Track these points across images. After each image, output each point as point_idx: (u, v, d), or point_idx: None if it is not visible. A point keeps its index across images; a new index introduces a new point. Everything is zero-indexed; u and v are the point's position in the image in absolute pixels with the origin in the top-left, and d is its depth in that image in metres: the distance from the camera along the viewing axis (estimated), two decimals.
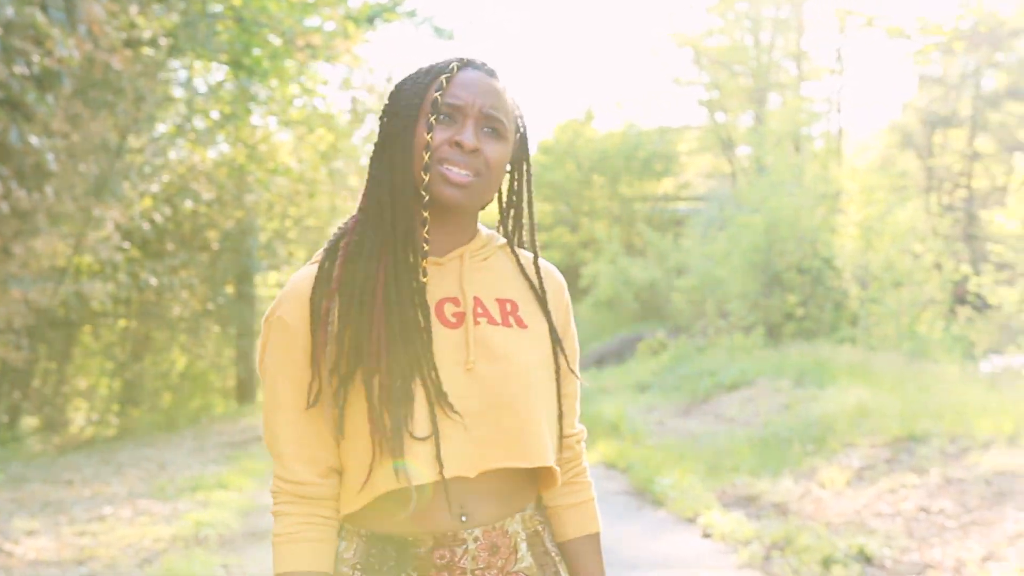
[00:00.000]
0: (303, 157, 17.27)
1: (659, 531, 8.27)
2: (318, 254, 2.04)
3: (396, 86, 2.00)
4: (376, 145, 1.99)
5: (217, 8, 12.97)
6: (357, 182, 18.39)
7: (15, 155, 9.86)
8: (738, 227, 22.58)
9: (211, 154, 16.49)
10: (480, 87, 1.94)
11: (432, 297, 1.95)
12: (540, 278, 2.08)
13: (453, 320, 1.95)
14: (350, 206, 18.73)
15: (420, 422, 1.86)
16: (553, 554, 2.07)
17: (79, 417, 19.67)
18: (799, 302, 21.08)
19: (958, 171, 34.08)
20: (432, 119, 1.90)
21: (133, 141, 12.70)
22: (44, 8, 8.86)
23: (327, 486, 1.98)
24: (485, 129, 1.93)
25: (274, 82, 15.39)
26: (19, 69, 9.05)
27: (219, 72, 15.79)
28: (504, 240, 2.12)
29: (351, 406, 1.90)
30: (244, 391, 17.61)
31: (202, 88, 15.64)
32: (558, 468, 2.05)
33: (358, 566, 1.96)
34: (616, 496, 9.96)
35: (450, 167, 1.89)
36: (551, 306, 2.09)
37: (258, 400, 17.54)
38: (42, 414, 17.87)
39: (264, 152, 16.63)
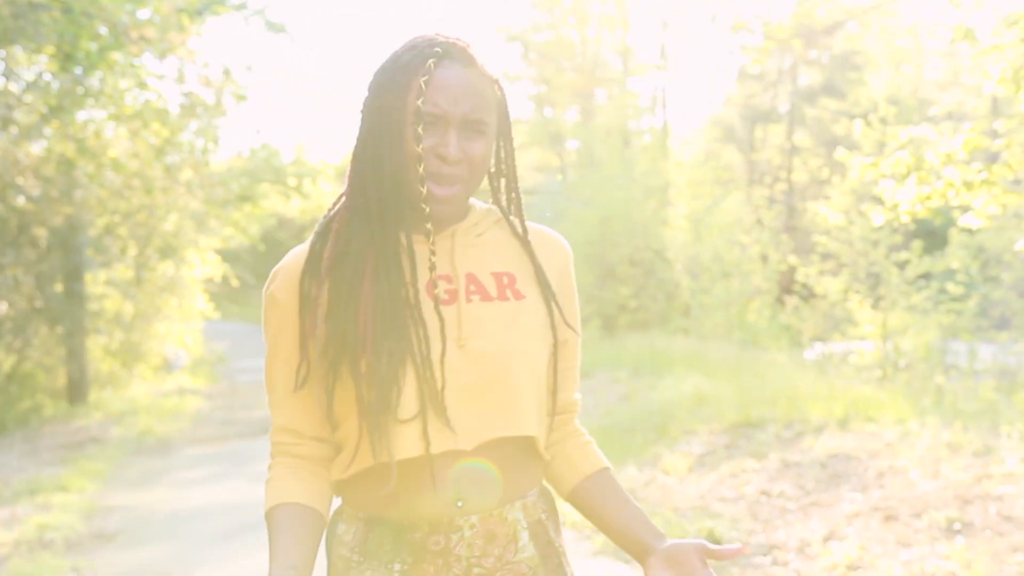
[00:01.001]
0: (136, 152, 16.89)
1: None
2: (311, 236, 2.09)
3: (374, 77, 2.00)
4: (361, 137, 1.98)
5: None
6: (192, 176, 18.09)
7: None
8: (572, 221, 22.95)
9: (37, 148, 16.00)
10: (459, 90, 1.93)
11: (422, 276, 1.97)
12: (530, 246, 2.09)
13: (445, 297, 1.97)
14: (184, 202, 18.43)
15: (407, 402, 1.89)
16: (557, 545, 2.08)
17: None
18: (632, 294, 21.56)
19: (778, 165, 35.20)
20: (420, 129, 1.90)
21: None
22: None
23: (316, 448, 2.03)
24: (467, 131, 1.95)
25: (101, 74, 15.03)
26: None
27: (42, 64, 15.35)
28: (499, 213, 2.13)
29: (341, 389, 1.93)
30: (75, 391, 17.13)
31: (28, 80, 15.17)
32: (540, 442, 2.05)
33: (357, 549, 1.98)
34: None
35: (436, 184, 1.92)
36: (550, 274, 2.09)
37: (90, 401, 17.12)
38: None
39: (94, 146, 16.21)
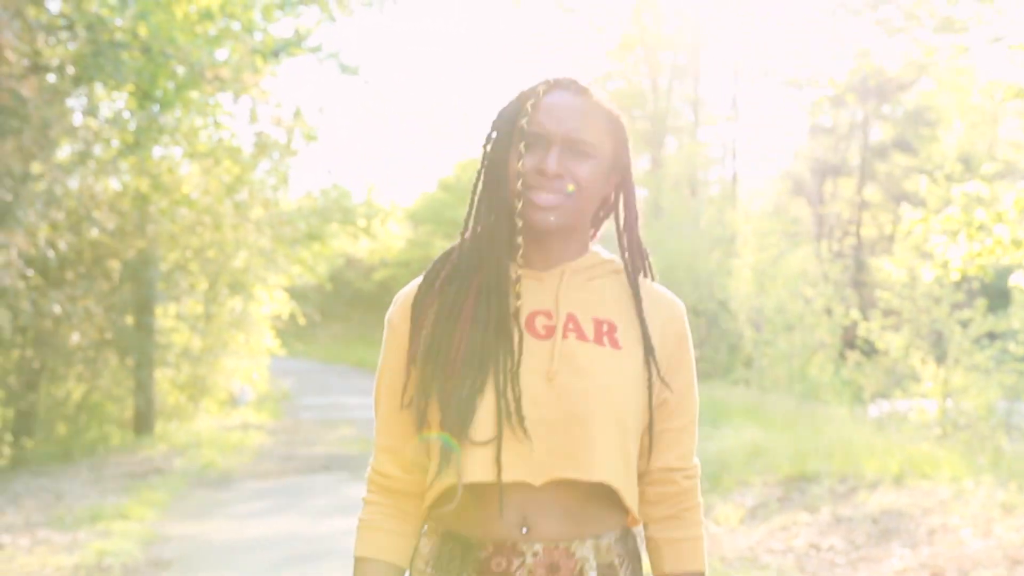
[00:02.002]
0: (208, 189, 17.24)
1: None
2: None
3: (498, 111, 2.09)
4: (479, 169, 2.09)
5: (124, 38, 12.96)
6: (262, 214, 18.39)
7: None
8: None
9: (114, 183, 16.40)
10: (563, 111, 2.01)
11: (526, 308, 2.02)
12: (640, 301, 2.10)
13: (543, 332, 2.01)
14: (253, 238, 18.73)
15: (482, 426, 1.94)
16: None
17: None
18: (695, 344, 21.51)
19: (847, 219, 35.01)
20: (521, 147, 2.00)
21: (37, 168, 12.62)
22: None
23: (411, 482, 2.08)
24: (571, 152, 2.01)
25: (178, 112, 15.39)
26: None
27: (123, 101, 15.75)
28: (620, 266, 2.16)
29: (432, 409, 1.99)
30: (142, 422, 17.43)
31: (106, 117, 15.57)
32: (625, 493, 2.03)
33: (431, 562, 2.05)
34: None
35: (537, 193, 1.98)
36: (654, 332, 2.09)
37: (156, 432, 17.41)
38: None
39: (168, 183, 16.58)
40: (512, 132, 2.01)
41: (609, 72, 37.96)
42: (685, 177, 29.12)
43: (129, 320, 17.45)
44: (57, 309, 15.02)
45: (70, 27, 12.60)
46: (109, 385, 18.22)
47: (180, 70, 13.89)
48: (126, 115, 15.07)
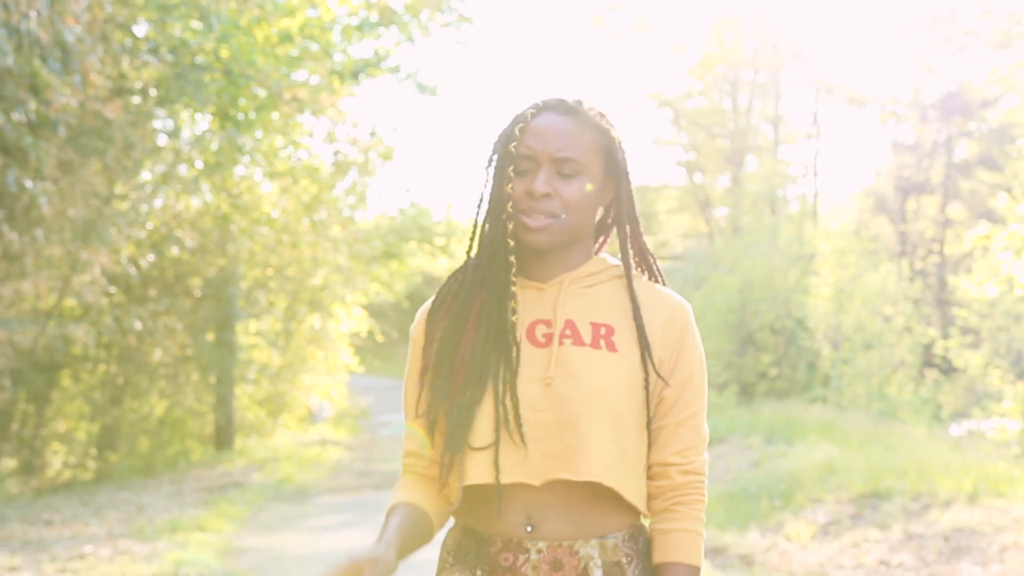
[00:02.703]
0: (286, 208, 17.51)
1: None
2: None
3: (497, 134, 2.18)
4: (481, 191, 2.19)
5: (206, 60, 13.25)
6: (339, 232, 18.62)
7: (7, 198, 10.10)
8: (713, 286, 22.91)
9: (195, 202, 16.73)
10: (550, 132, 2.10)
11: (526, 319, 2.13)
12: (636, 302, 2.17)
13: (542, 340, 2.11)
14: (331, 257, 18.98)
15: (482, 431, 2.06)
16: None
17: (56, 460, 19.72)
18: (772, 362, 21.40)
19: (930, 237, 34.56)
20: (510, 171, 2.11)
21: (121, 188, 12.93)
22: (43, 58, 9.13)
23: (433, 468, 2.21)
24: (559, 173, 2.10)
25: (259, 133, 15.68)
26: (16, 116, 9.31)
27: (204, 122, 16.09)
28: (622, 270, 2.23)
29: (440, 417, 2.13)
30: (222, 437, 17.71)
31: (188, 138, 15.92)
32: (626, 491, 2.09)
33: (452, 552, 2.18)
34: None
35: (527, 216, 2.08)
36: (652, 331, 2.15)
37: (235, 447, 17.68)
38: (20, 456, 17.92)
39: (248, 202, 16.88)
40: (503, 156, 2.10)
41: (689, 91, 37.86)
42: (764, 195, 28.94)
43: (210, 337, 17.76)
44: (139, 326, 15.34)
45: (154, 51, 12.90)
46: (190, 401, 18.55)
47: (260, 92, 14.15)
48: (208, 136, 15.37)
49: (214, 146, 15.04)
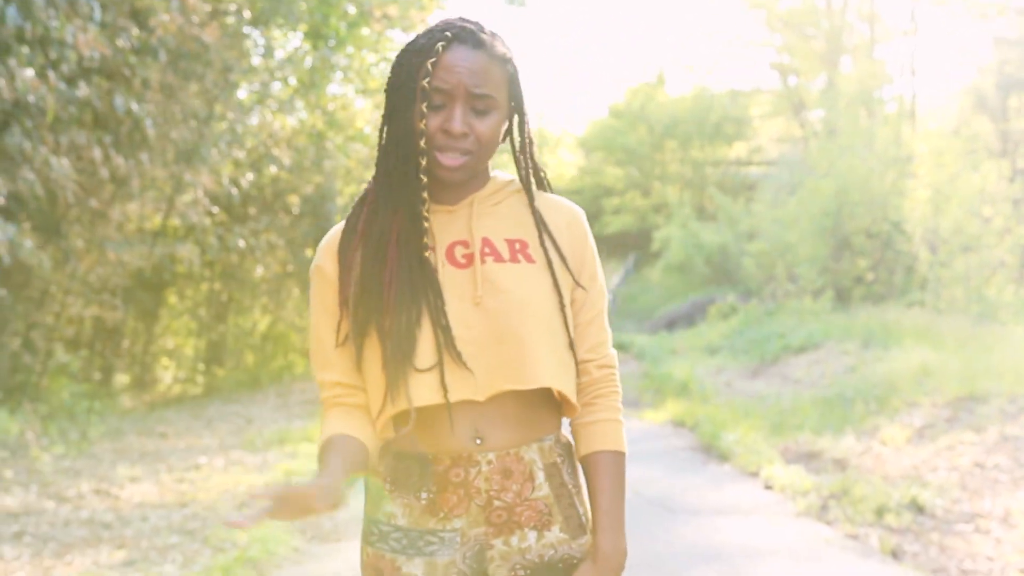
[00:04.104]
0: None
1: (722, 483, 8.64)
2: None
3: (395, 59, 2.14)
4: (382, 117, 2.16)
5: None
6: None
7: (113, 123, 10.41)
8: (808, 191, 22.73)
9: (291, 121, 16.98)
10: (465, 67, 2.07)
11: (443, 241, 2.15)
12: (539, 213, 2.22)
13: (463, 261, 2.14)
14: None
15: (424, 354, 2.08)
16: (570, 486, 2.22)
17: (167, 375, 20.39)
18: (869, 266, 21.25)
19: None
20: (423, 107, 2.05)
21: (219, 109, 13.19)
22: None
23: (364, 398, 2.19)
24: (473, 109, 2.09)
25: (351, 50, 15.84)
26: (120, 42, 9.57)
27: (296, 41, 16.29)
28: (519, 185, 2.27)
29: (370, 345, 2.12)
30: None
31: (282, 57, 16.14)
32: (569, 392, 2.17)
33: (388, 479, 2.19)
34: (683, 451, 10.36)
35: (443, 154, 2.07)
36: (560, 239, 2.22)
37: None
38: (132, 372, 18.57)
39: (342, 119, 17.08)
40: (415, 89, 2.07)
41: None
42: (860, 97, 28.43)
43: (309, 253, 18.11)
44: (241, 244, 15.71)
45: None
46: (292, 316, 18.97)
47: (351, 9, 14.29)
48: (301, 54, 15.57)
49: (307, 64, 15.23)
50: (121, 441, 11.66)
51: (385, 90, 2.15)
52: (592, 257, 2.30)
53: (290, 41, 16.39)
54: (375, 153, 2.25)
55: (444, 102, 2.07)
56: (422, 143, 2.06)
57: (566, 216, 2.28)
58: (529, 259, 2.18)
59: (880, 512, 6.99)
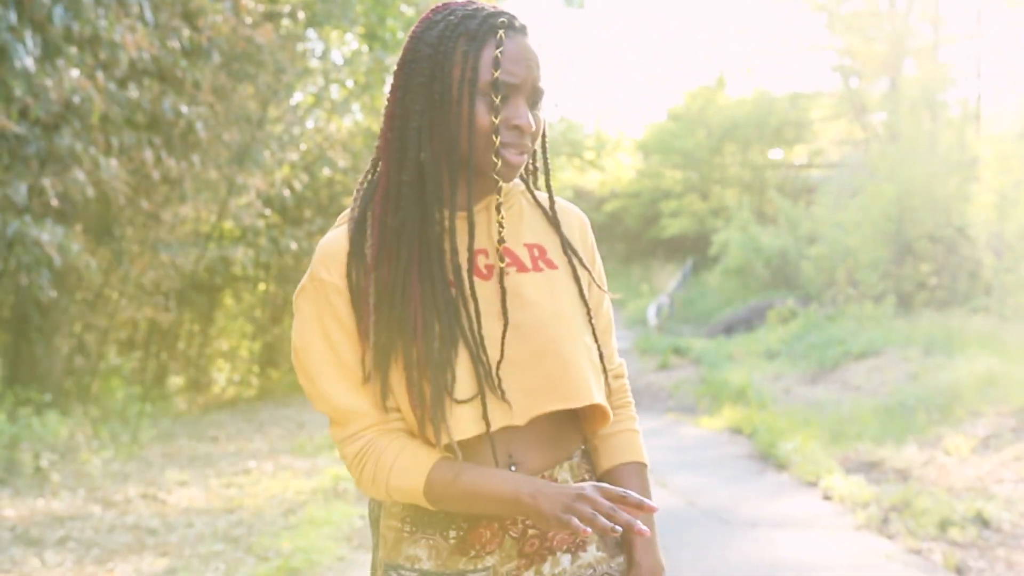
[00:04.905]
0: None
1: (780, 493, 8.44)
2: (339, 220, 2.02)
3: (427, 43, 1.90)
4: (405, 110, 1.90)
5: None
6: None
7: (165, 125, 10.37)
8: (870, 195, 22.42)
9: (346, 123, 16.95)
10: (530, 59, 1.88)
11: (465, 253, 1.92)
12: (556, 217, 2.06)
13: (485, 272, 1.94)
14: None
15: (464, 384, 1.87)
16: None
17: (221, 377, 20.43)
18: (931, 271, 20.89)
19: None
20: (497, 100, 1.85)
21: (273, 111, 13.16)
22: None
23: (403, 422, 1.93)
24: (532, 103, 1.91)
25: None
26: (171, 43, 9.52)
27: (354, 43, 16.26)
28: (522, 185, 2.10)
29: (396, 378, 1.88)
30: None
31: (338, 59, 16.10)
32: (607, 405, 2.01)
33: (408, 519, 1.97)
34: (739, 459, 10.15)
35: (511, 152, 1.88)
36: (576, 245, 2.08)
37: None
38: (187, 374, 18.61)
39: None
40: (477, 80, 1.85)
41: None
42: (924, 99, 28.03)
43: None
44: (294, 246, 15.68)
45: None
46: None
47: (407, 10, 14.21)
48: (358, 57, 15.53)
49: (363, 66, 15.19)
50: (172, 444, 11.64)
51: (410, 79, 1.89)
52: (600, 263, 2.16)
53: (346, 43, 16.37)
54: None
55: (508, 95, 1.87)
56: (497, 141, 1.85)
57: (576, 218, 2.13)
58: (551, 265, 2.02)
59: (943, 526, 6.75)
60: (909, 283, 21.13)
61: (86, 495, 8.43)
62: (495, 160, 1.86)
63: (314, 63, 15.26)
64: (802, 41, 41.83)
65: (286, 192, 14.47)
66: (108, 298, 12.81)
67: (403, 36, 14.78)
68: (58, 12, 7.06)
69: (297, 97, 15.02)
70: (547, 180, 2.09)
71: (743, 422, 11.97)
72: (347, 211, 2.01)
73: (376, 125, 16.55)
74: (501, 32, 1.87)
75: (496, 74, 1.84)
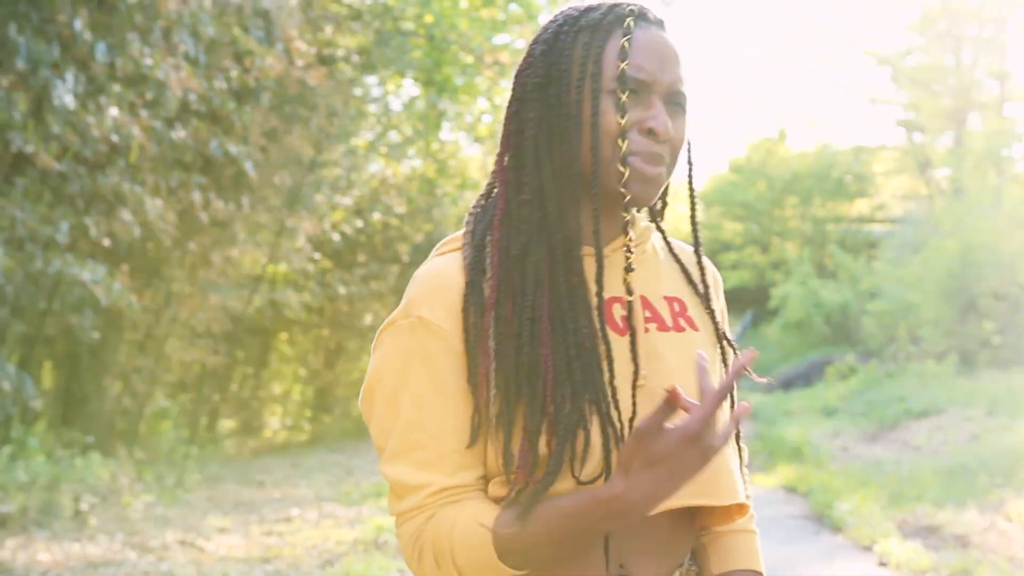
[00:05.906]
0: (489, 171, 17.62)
1: (834, 556, 8.14)
2: (443, 246, 1.65)
3: (542, 41, 1.59)
4: (521, 117, 1.58)
5: (409, 26, 13.31)
6: None
7: (214, 166, 10.33)
8: (933, 251, 22.05)
9: (402, 168, 16.92)
10: (666, 54, 1.55)
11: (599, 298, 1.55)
12: (703, 271, 1.73)
13: (621, 325, 1.57)
14: None
15: (592, 460, 1.49)
16: None
17: (274, 421, 20.39)
18: (995, 329, 20.46)
19: None
20: (624, 96, 1.51)
21: (325, 155, 13.13)
22: (244, 27, 9.25)
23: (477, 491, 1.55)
24: (672, 106, 1.55)
25: (464, 98, 15.73)
26: (219, 84, 9.48)
27: (412, 88, 16.26)
28: (652, 225, 1.72)
29: (515, 439, 1.50)
30: None
31: (396, 104, 16.10)
32: (750, 503, 1.67)
33: None
34: (793, 519, 9.85)
35: (644, 162, 1.52)
36: (715, 304, 1.73)
37: None
38: (239, 417, 18.57)
39: (453, 167, 16.97)
40: (600, 75, 1.52)
41: (910, 47, 36.58)
42: (989, 154, 27.67)
43: None
44: (343, 291, 15.62)
45: (357, 17, 13.02)
46: None
47: (464, 57, 14.16)
48: (418, 103, 15.52)
49: (419, 111, 15.17)
50: (217, 489, 11.52)
51: (527, 79, 1.57)
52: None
53: (403, 88, 16.37)
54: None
55: (639, 94, 1.52)
56: (624, 146, 1.50)
57: (711, 272, 1.76)
58: (692, 325, 1.65)
59: None
60: (972, 341, 20.70)
61: (124, 540, 8.31)
62: (622, 169, 1.51)
63: (372, 108, 15.25)
64: (866, 94, 41.60)
65: (335, 236, 14.43)
66: (157, 339, 12.77)
67: (460, 82, 14.76)
68: (100, 48, 7.00)
69: (352, 142, 15.01)
70: (692, 216, 1.71)
71: (798, 481, 11.66)
72: (449, 239, 1.65)
73: (431, 171, 16.50)
74: (629, 20, 1.54)
75: (622, 66, 1.51)
